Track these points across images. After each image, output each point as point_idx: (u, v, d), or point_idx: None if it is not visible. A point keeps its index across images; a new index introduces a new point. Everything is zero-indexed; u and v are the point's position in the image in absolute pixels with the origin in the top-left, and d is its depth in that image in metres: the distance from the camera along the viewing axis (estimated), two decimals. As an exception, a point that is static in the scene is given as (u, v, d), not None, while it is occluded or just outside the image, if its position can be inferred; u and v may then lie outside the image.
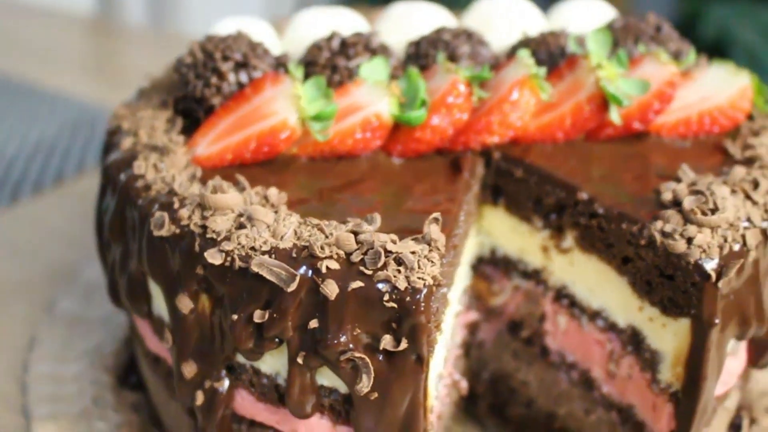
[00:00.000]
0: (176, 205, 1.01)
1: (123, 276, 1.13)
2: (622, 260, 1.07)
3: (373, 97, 1.12)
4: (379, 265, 0.91)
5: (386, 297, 0.90)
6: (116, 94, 2.74)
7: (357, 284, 0.90)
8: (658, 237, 1.01)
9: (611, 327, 1.13)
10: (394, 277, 0.90)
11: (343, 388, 0.97)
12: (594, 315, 1.14)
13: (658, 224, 1.01)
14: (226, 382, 1.04)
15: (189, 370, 1.04)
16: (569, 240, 1.14)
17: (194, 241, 0.98)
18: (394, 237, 0.94)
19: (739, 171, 1.10)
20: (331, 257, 0.92)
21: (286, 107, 1.09)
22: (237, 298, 0.96)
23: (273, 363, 1.00)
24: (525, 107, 1.15)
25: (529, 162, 1.15)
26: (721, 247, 0.99)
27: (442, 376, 1.11)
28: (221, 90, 1.15)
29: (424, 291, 0.90)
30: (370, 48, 1.19)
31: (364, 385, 0.92)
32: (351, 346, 0.92)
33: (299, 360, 0.95)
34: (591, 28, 1.37)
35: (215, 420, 1.05)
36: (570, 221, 1.12)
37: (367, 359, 0.92)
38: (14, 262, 1.74)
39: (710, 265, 0.98)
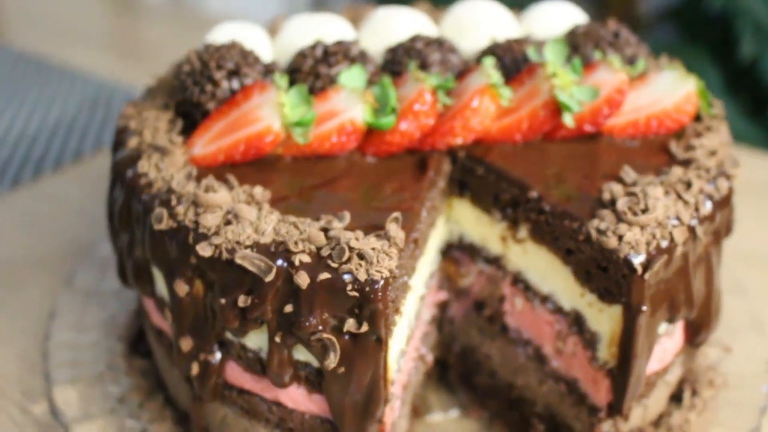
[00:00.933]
0: (173, 202, 1.16)
1: (130, 260, 1.28)
2: (566, 252, 1.21)
3: (349, 104, 1.26)
4: (344, 259, 1.05)
5: (349, 287, 1.05)
6: (135, 71, 2.89)
7: (325, 275, 1.05)
8: (594, 233, 1.14)
9: (558, 309, 1.27)
10: (356, 269, 1.04)
11: (316, 363, 1.13)
12: (544, 298, 1.29)
13: (595, 222, 1.15)
14: (218, 355, 1.20)
15: (186, 344, 1.20)
16: (523, 232, 1.28)
17: (188, 235, 1.13)
18: (359, 234, 1.08)
19: (677, 171, 1.24)
20: (303, 252, 1.07)
21: (271, 114, 1.23)
22: (225, 285, 1.11)
23: (256, 340, 1.15)
24: (485, 113, 1.28)
25: (489, 161, 1.29)
26: (648, 244, 1.12)
27: (404, 352, 1.26)
28: (215, 96, 1.29)
29: (381, 282, 1.04)
30: (350, 56, 1.33)
31: (332, 361, 1.08)
32: (320, 327, 1.07)
33: (277, 339, 1.11)
34: (560, 31, 1.49)
35: (209, 387, 1.21)
36: (523, 215, 1.26)
37: (334, 339, 1.07)
38: (36, 236, 1.91)
39: (637, 260, 1.11)
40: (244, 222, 1.11)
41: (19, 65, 2.85)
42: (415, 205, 1.19)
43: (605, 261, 1.15)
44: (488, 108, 1.28)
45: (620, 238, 1.12)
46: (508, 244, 1.32)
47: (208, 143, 1.26)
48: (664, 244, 1.14)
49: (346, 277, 1.05)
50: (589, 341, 1.23)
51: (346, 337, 1.08)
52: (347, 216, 1.12)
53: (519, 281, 1.32)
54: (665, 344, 1.28)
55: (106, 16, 3.59)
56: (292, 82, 1.32)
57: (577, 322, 1.24)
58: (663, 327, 1.24)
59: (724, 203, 1.26)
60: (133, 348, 1.53)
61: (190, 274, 1.15)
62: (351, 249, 1.06)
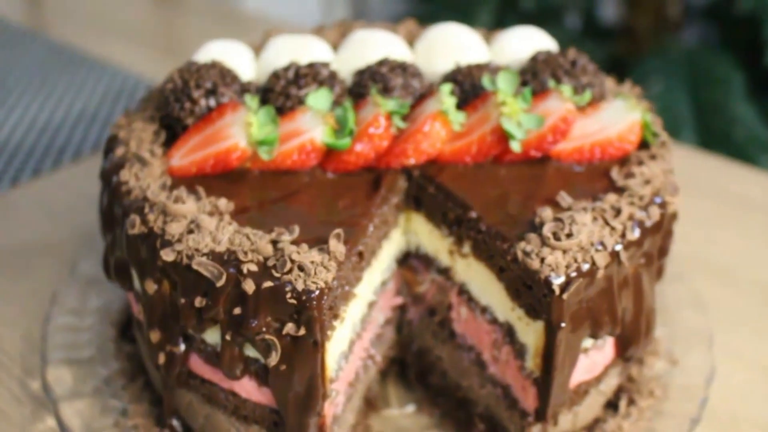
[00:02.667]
0: (146, 210, 1.30)
1: (112, 257, 1.43)
2: (500, 269, 1.32)
3: (311, 125, 1.38)
4: (286, 270, 1.18)
5: (288, 295, 1.17)
6: (170, 65, 3.02)
7: (268, 284, 1.18)
8: (520, 255, 1.25)
9: (494, 321, 1.38)
10: (295, 280, 1.17)
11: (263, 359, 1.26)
12: (483, 310, 1.40)
13: (522, 245, 1.25)
14: (182, 347, 1.33)
15: (154, 336, 1.34)
16: (467, 247, 1.39)
17: (156, 240, 1.26)
18: (304, 247, 1.21)
19: (611, 198, 1.33)
20: (252, 261, 1.20)
21: (239, 132, 1.36)
22: (185, 287, 1.24)
23: (213, 336, 1.29)
24: (436, 137, 1.39)
25: (439, 181, 1.40)
26: (568, 267, 1.22)
27: (346, 353, 1.37)
28: (194, 112, 1.42)
29: (317, 292, 1.17)
30: (318, 79, 1.45)
31: (273, 359, 1.21)
32: (264, 329, 1.20)
33: (227, 337, 1.24)
34: (525, 56, 1.59)
35: (173, 375, 1.35)
36: (466, 233, 1.37)
37: (276, 340, 1.20)
38: (50, 223, 2.07)
39: (556, 282, 1.22)
40: (204, 232, 1.25)
41: (51, 56, 3.02)
42: (362, 221, 1.31)
43: (529, 280, 1.25)
44: (439, 132, 1.39)
45: (542, 260, 1.23)
46: (454, 258, 1.43)
47: (184, 156, 1.39)
48: (585, 267, 1.24)
49: (287, 287, 1.18)
50: (519, 351, 1.34)
51: (288, 338, 1.21)
52: (297, 230, 1.24)
53: (463, 292, 1.43)
54: (594, 357, 1.38)
55: (146, 9, 3.73)
56: (266, 101, 1.45)
57: (509, 333, 1.35)
58: (589, 342, 1.35)
59: (655, 229, 1.35)
60: (123, 334, 1.68)
61: (158, 275, 1.29)
62: (293, 261, 1.19)
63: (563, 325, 1.24)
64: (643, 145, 1.48)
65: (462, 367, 1.50)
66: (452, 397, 1.54)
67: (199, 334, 1.30)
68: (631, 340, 1.40)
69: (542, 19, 4.96)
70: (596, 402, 1.46)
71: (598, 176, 1.41)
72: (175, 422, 1.45)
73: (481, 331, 1.42)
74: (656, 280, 1.62)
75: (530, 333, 1.30)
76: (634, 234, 1.31)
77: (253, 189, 1.37)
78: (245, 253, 1.20)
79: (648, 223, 1.34)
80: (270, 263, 1.20)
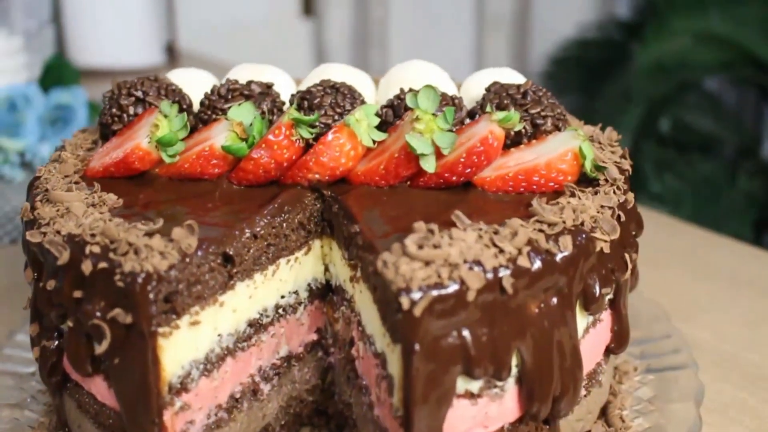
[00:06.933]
0: (37, 199, 1.30)
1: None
2: (374, 289, 1.18)
3: (216, 133, 1.35)
4: (122, 252, 1.12)
5: (117, 277, 1.11)
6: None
7: (103, 264, 1.13)
8: (380, 266, 1.11)
9: (376, 352, 1.22)
10: (125, 262, 1.11)
11: (111, 356, 1.19)
12: (369, 340, 1.25)
13: (385, 255, 1.12)
14: (55, 343, 1.29)
15: (33, 329, 1.31)
16: (359, 271, 1.26)
17: (34, 225, 1.26)
18: (157, 236, 1.15)
19: (514, 222, 1.17)
20: (97, 244, 1.16)
21: (143, 134, 1.35)
22: (47, 270, 1.22)
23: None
24: (339, 150, 1.30)
25: (341, 198, 1.30)
26: (425, 280, 1.07)
27: (203, 364, 1.24)
28: (121, 119, 1.43)
29: (142, 275, 1.10)
30: (244, 94, 1.42)
31: (102, 348, 1.14)
32: (97, 314, 1.14)
33: (70, 323, 1.19)
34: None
35: (45, 371, 1.30)
36: (354, 253, 1.25)
37: (105, 326, 1.13)
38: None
39: (408, 294, 1.06)
40: (72, 216, 1.23)
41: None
42: (238, 225, 1.24)
43: (386, 294, 1.10)
44: (343, 145, 1.30)
45: (397, 270, 1.08)
46: (353, 285, 1.30)
47: (99, 158, 1.40)
48: (452, 285, 1.07)
49: (117, 269, 1.12)
50: (389, 385, 1.17)
51: (119, 327, 1.13)
52: (160, 222, 1.19)
53: (360, 324, 1.29)
54: (486, 407, 1.17)
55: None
56: (198, 115, 1.44)
57: (383, 364, 1.19)
58: (475, 385, 1.15)
59: (568, 265, 1.16)
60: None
61: (34, 263, 1.27)
62: (130, 244, 1.13)
63: (417, 347, 1.07)
64: (596, 183, 1.31)
65: (362, 412, 1.33)
66: (360, 452, 1.37)
67: (59, 323, 1.25)
68: (534, 395, 1.18)
69: (686, 147, 4.68)
70: (507, 466, 1.23)
71: (521, 206, 1.25)
72: (63, 434, 1.39)
73: (370, 366, 1.26)
74: (618, 349, 1.40)
75: (395, 360, 1.14)
76: (533, 263, 1.13)
77: (151, 192, 1.34)
78: (92, 235, 1.17)
79: (558, 256, 1.15)
80: (112, 246, 1.15)
